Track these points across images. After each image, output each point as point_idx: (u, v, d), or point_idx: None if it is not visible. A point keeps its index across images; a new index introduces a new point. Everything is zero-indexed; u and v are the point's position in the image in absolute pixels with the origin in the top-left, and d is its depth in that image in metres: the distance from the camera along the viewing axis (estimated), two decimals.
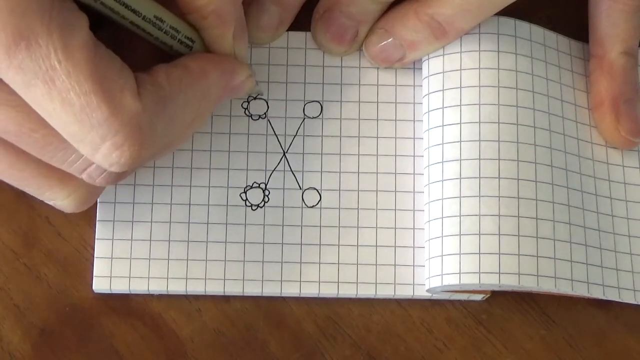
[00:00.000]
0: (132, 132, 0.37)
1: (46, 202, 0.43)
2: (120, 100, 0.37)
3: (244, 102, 0.48)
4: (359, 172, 0.48)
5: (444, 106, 0.47)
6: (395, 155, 0.48)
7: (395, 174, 0.48)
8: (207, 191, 0.47)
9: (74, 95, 0.36)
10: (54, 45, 0.35)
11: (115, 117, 0.36)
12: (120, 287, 0.46)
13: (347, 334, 0.47)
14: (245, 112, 0.48)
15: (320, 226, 0.47)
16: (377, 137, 0.48)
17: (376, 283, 0.47)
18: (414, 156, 0.48)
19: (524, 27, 0.48)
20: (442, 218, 0.45)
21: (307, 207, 0.48)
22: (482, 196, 0.45)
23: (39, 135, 0.38)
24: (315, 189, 0.48)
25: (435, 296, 0.47)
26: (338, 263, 0.47)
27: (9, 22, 0.34)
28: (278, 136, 0.48)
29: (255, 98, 0.48)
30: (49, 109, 0.36)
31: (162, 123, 0.39)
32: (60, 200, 0.43)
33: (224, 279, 0.46)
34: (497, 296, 0.47)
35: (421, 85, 0.49)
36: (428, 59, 0.48)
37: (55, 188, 0.42)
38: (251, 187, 0.48)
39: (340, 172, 0.48)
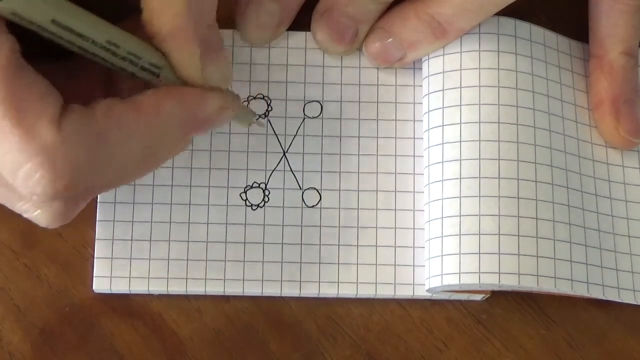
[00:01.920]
0: (45, 162, 0.36)
1: (22, 214, 0.41)
2: (33, 127, 0.35)
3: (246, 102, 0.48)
4: (359, 172, 0.48)
5: (444, 106, 0.47)
6: (395, 155, 0.48)
7: (395, 174, 0.48)
8: (207, 191, 0.47)
9: None
10: None
11: (27, 144, 0.35)
12: (120, 287, 0.46)
13: (347, 334, 0.47)
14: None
15: (320, 226, 0.47)
16: (377, 137, 0.48)
17: (376, 283, 0.47)
18: (414, 156, 0.48)
19: (524, 27, 0.48)
20: (442, 218, 0.45)
21: (307, 207, 0.48)
22: (482, 196, 0.45)
23: None
24: (315, 189, 0.48)
25: (435, 296, 0.47)
26: (338, 263, 0.47)
27: None
28: (278, 136, 0.48)
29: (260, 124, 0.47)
30: None
31: (93, 158, 0.37)
32: (32, 212, 0.41)
33: (224, 279, 0.46)
34: (497, 296, 0.47)
35: (421, 85, 0.49)
36: (428, 59, 0.48)
37: (25, 200, 0.40)
38: (251, 187, 0.48)
39: (340, 172, 0.48)
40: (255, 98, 0.49)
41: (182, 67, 0.39)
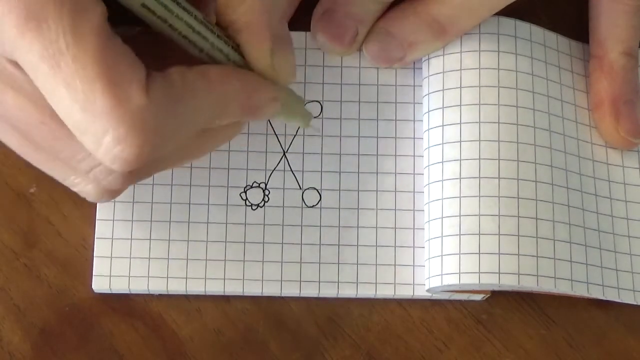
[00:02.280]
0: (135, 126, 0.36)
1: (70, 188, 0.42)
2: (125, 91, 0.36)
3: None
4: (359, 172, 0.48)
5: (444, 106, 0.47)
6: (395, 155, 0.48)
7: (395, 174, 0.48)
8: (207, 191, 0.47)
9: (79, 81, 0.35)
10: (64, 28, 0.34)
11: (119, 108, 0.35)
12: (120, 286, 0.46)
13: (347, 334, 0.47)
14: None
15: (320, 226, 0.47)
16: (377, 137, 0.48)
17: (376, 283, 0.47)
18: (414, 156, 0.48)
19: (524, 27, 0.48)
20: (441, 218, 0.45)
21: (307, 207, 0.48)
22: (482, 196, 0.45)
23: (48, 129, 0.38)
24: (315, 188, 0.48)
25: (435, 296, 0.47)
26: (338, 263, 0.47)
27: (21, 1, 0.34)
28: (278, 136, 0.48)
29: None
30: (56, 95, 0.35)
31: (170, 124, 0.38)
32: (83, 186, 0.41)
33: (224, 279, 0.46)
34: (497, 296, 0.47)
35: (421, 85, 0.49)
36: (428, 59, 0.48)
37: (78, 174, 0.41)
38: (251, 187, 0.48)
39: (340, 172, 0.48)
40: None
41: (254, 58, 0.41)
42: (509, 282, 0.44)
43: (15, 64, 0.36)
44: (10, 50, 0.35)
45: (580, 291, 0.45)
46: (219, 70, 0.40)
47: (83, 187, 0.41)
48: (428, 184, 0.47)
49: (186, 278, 0.46)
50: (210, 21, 0.40)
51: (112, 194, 0.42)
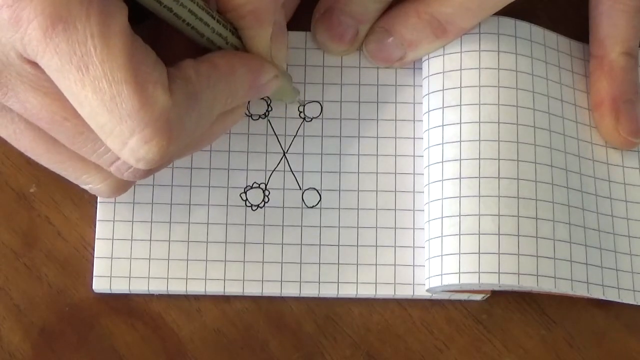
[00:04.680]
0: (162, 127, 0.36)
1: (81, 186, 0.43)
2: (152, 93, 0.36)
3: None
4: (359, 172, 0.48)
5: (444, 106, 0.47)
6: (395, 155, 0.48)
7: (395, 174, 0.48)
8: (207, 191, 0.47)
9: (106, 83, 0.35)
10: (92, 31, 0.35)
11: (146, 110, 0.36)
12: (120, 287, 0.46)
13: (347, 334, 0.47)
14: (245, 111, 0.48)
15: (320, 226, 0.47)
16: (377, 137, 0.48)
17: (376, 283, 0.47)
18: (414, 156, 0.48)
19: (524, 27, 0.48)
20: (441, 218, 0.45)
21: (307, 207, 0.48)
22: (482, 196, 0.45)
23: (70, 125, 0.38)
24: (315, 189, 0.48)
25: (435, 296, 0.47)
26: (338, 263, 0.47)
27: (49, 4, 0.34)
28: (278, 136, 0.48)
29: (303, 105, 0.49)
30: (81, 96, 0.36)
31: (190, 120, 0.38)
32: (96, 184, 0.42)
33: (224, 279, 0.46)
34: (497, 296, 0.47)
35: (421, 85, 0.49)
36: (428, 58, 0.48)
37: (91, 172, 0.42)
38: (251, 187, 0.48)
39: (340, 172, 0.48)
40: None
41: (254, 42, 0.42)
42: (509, 282, 0.44)
43: (34, 64, 0.36)
44: (32, 51, 0.35)
45: (580, 291, 0.45)
46: (225, 58, 0.41)
47: (95, 185, 0.42)
48: (428, 184, 0.47)
49: (186, 279, 0.46)
50: (209, 6, 0.41)
51: (125, 188, 0.43)
